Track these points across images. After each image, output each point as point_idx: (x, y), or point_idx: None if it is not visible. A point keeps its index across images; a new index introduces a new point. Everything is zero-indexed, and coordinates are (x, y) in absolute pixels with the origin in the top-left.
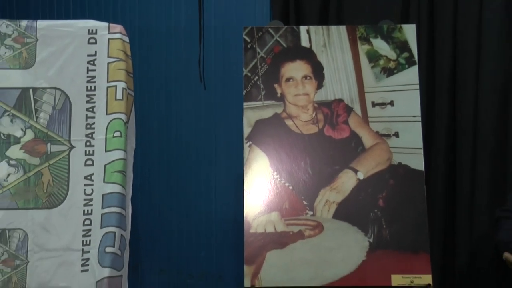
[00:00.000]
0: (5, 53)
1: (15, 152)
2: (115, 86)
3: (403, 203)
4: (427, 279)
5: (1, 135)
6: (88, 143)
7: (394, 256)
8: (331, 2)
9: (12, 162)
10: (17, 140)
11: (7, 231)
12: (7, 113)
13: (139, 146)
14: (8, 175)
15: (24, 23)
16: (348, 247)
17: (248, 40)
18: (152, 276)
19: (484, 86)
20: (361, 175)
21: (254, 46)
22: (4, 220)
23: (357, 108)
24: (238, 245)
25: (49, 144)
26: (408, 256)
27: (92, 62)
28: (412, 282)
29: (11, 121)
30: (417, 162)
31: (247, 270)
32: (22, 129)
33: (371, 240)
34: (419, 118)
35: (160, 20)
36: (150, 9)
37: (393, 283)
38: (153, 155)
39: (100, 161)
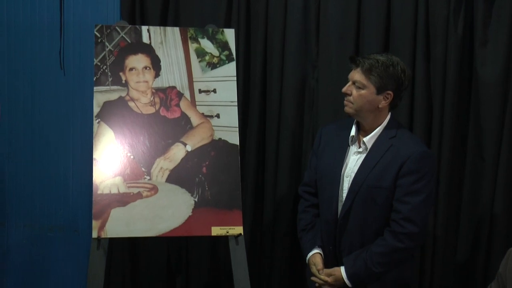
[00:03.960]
0: None
1: None
2: None
3: (222, 170)
4: (239, 229)
5: None
6: None
7: (214, 212)
8: (170, 7)
9: None
10: None
11: None
12: None
13: (7, 122)
14: None
15: None
16: (178, 205)
17: (99, 35)
18: (17, 230)
19: (287, 79)
20: (189, 148)
21: (104, 40)
22: None
23: (187, 94)
24: (90, 204)
25: None
26: (225, 212)
27: None
28: (227, 232)
29: None
30: (234, 138)
31: (95, 224)
32: None
33: (196, 199)
34: (236, 103)
35: (26, 17)
36: (17, 7)
37: (213, 233)
38: (19, 130)
39: None
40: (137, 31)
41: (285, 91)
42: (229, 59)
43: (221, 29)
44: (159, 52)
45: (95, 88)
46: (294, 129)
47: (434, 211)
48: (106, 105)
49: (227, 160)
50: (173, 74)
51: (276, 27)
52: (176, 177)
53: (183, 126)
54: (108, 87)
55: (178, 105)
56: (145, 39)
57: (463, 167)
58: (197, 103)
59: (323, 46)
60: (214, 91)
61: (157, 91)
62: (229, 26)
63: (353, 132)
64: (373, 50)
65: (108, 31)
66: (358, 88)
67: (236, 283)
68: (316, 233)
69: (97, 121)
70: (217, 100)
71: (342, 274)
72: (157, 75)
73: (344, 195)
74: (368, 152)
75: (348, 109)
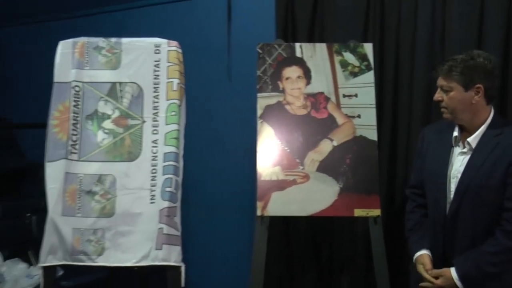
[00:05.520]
0: (102, 59)
1: (107, 124)
2: (172, 81)
3: (362, 162)
4: (377, 212)
5: (99, 113)
6: (154, 119)
7: (356, 197)
8: (316, 26)
9: (105, 131)
10: (108, 117)
11: (103, 176)
12: (102, 99)
13: (189, 124)
14: (103, 139)
15: (113, 40)
16: (326, 190)
17: (260, 52)
18: (197, 209)
19: (416, 85)
20: (335, 143)
21: (265, 56)
22: (101, 169)
23: (333, 98)
24: (252, 188)
25: (129, 119)
26: (365, 197)
27: (157, 66)
28: (367, 213)
29: (105, 104)
30: (372, 135)
31: (259, 204)
32: (112, 109)
33: (341, 186)
34: (374, 106)
35: (200, 40)
36: (195, 31)
37: (355, 214)
38: (197, 130)
39: (162, 131)
40: (291, 47)
41: (414, 96)
42: (368, 68)
43: (361, 44)
44: (309, 64)
45: (258, 95)
46: (422, 128)
47: None
48: (267, 108)
49: (367, 153)
50: (321, 82)
51: (406, 39)
52: (325, 167)
53: (330, 125)
54: (268, 93)
55: (325, 108)
56: (298, 54)
57: None
58: (341, 105)
59: (447, 56)
60: (356, 95)
61: (308, 96)
62: (365, 40)
63: (456, 133)
64: None
65: (268, 48)
66: (446, 92)
67: (375, 256)
68: (424, 233)
69: (260, 121)
70: (358, 103)
71: (453, 275)
72: (308, 83)
73: (451, 196)
74: (474, 152)
75: (445, 115)
